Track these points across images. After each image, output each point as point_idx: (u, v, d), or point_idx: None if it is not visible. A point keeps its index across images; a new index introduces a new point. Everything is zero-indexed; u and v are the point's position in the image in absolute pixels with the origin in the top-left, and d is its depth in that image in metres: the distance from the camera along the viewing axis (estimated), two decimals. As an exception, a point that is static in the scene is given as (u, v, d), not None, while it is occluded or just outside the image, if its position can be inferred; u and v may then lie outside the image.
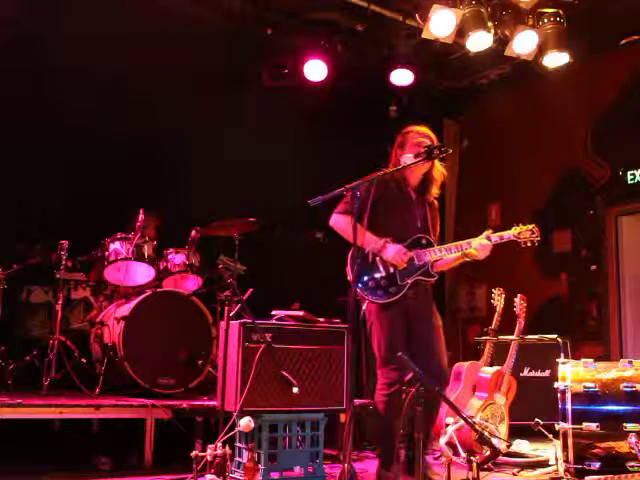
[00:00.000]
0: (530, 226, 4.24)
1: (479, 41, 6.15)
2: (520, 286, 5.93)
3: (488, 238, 4.17)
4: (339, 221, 4.19)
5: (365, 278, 4.08)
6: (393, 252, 4.05)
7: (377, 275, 4.08)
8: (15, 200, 6.20)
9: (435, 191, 4.36)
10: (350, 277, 3.98)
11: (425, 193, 4.33)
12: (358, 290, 4.06)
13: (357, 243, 3.78)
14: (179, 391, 5.48)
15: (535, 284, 7.63)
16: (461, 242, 4.16)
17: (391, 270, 4.08)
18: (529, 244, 4.22)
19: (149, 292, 5.65)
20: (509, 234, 4.22)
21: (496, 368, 5.36)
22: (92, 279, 6.26)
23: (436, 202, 4.42)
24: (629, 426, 4.24)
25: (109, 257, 5.80)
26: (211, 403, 4.98)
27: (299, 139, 7.21)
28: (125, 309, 5.58)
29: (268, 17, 6.61)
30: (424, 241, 4.18)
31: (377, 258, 4.09)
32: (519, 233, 4.21)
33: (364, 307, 4.15)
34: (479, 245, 4.13)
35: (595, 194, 7.47)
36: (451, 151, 4.16)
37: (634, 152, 7.11)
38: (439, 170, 4.33)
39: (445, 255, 4.15)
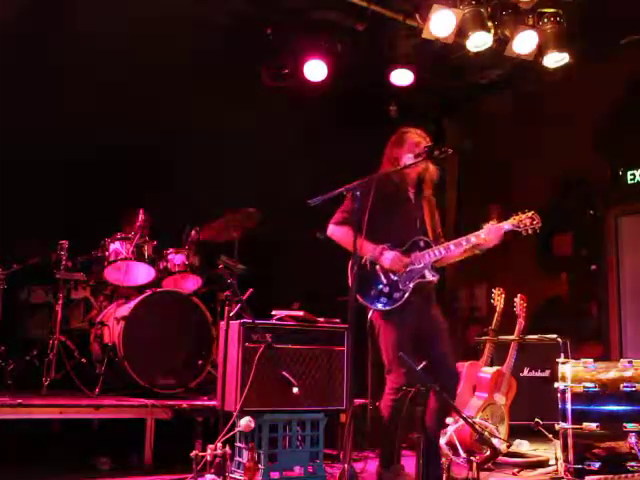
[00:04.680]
0: (529, 213, 4.13)
1: (479, 41, 6.14)
2: (520, 286, 5.93)
3: (490, 227, 4.13)
4: (336, 232, 4.19)
5: (368, 288, 4.07)
6: (390, 259, 4.04)
7: (379, 284, 4.08)
8: (15, 200, 6.20)
9: (428, 191, 4.34)
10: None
11: (421, 191, 4.32)
12: (362, 301, 4.06)
13: (356, 245, 3.79)
14: (179, 391, 5.48)
15: (535, 284, 7.62)
16: (460, 239, 4.12)
17: (392, 277, 4.08)
18: (530, 232, 4.11)
19: (149, 292, 5.65)
20: (508, 224, 4.13)
21: (496, 368, 5.36)
22: (92, 279, 6.26)
23: (433, 199, 4.40)
24: (629, 426, 4.24)
25: (109, 257, 5.81)
26: (211, 403, 4.98)
27: (299, 139, 7.20)
28: (125, 309, 5.58)
29: (268, 17, 6.60)
30: (422, 243, 4.17)
31: (377, 267, 4.09)
32: (519, 222, 4.11)
33: (370, 314, 4.14)
34: (488, 233, 4.08)
35: (595, 194, 7.47)
36: (451, 151, 4.15)
37: (634, 152, 7.10)
38: (431, 168, 4.31)
39: (445, 254, 4.12)
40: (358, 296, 4.03)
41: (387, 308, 4.06)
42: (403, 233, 4.17)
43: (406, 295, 4.05)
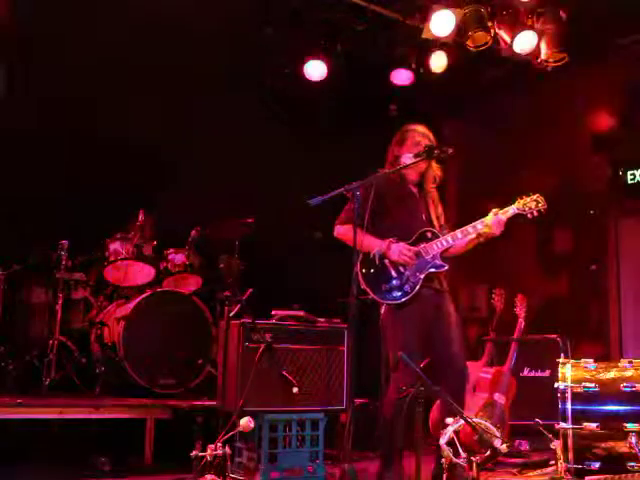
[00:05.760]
0: (534, 196, 4.17)
1: (479, 41, 6.15)
2: (520, 286, 5.93)
3: (496, 214, 4.15)
4: (342, 231, 4.21)
5: (378, 283, 4.08)
6: (397, 252, 4.06)
7: (389, 278, 4.08)
8: (15, 200, 6.20)
9: (430, 186, 4.37)
10: (363, 285, 4.00)
11: (424, 186, 4.35)
12: (374, 297, 4.07)
13: (356, 246, 3.80)
14: (179, 391, 5.49)
15: (535, 284, 7.62)
16: (467, 227, 4.14)
17: (402, 270, 4.09)
18: (536, 214, 4.14)
19: (149, 292, 5.66)
20: (513, 208, 4.17)
21: (496, 368, 5.36)
22: (92, 279, 6.26)
23: (436, 192, 4.42)
24: (629, 426, 4.24)
25: (109, 257, 5.81)
26: (211, 403, 4.97)
27: (299, 139, 7.20)
28: (125, 309, 5.58)
29: (268, 17, 6.60)
30: (429, 234, 4.19)
31: (386, 261, 4.09)
32: (523, 205, 4.15)
33: (382, 311, 4.15)
34: (493, 221, 4.11)
35: (595, 194, 7.47)
36: (451, 151, 4.16)
37: (634, 152, 7.10)
38: (434, 167, 4.35)
39: (452, 242, 4.14)
40: (369, 292, 4.05)
41: (399, 301, 4.06)
42: (409, 226, 4.19)
43: (417, 287, 4.06)
